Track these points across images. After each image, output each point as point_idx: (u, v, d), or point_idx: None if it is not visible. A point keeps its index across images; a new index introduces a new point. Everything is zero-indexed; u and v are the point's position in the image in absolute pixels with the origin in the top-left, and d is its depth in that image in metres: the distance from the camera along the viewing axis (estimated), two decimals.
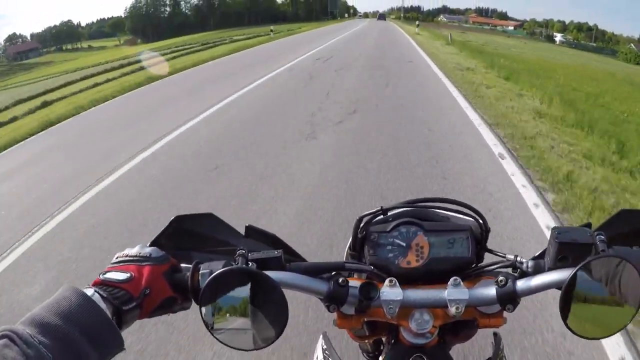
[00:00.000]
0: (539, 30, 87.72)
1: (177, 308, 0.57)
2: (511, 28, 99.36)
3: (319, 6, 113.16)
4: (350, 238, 0.66)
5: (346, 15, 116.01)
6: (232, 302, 0.50)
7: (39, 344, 0.39)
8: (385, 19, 76.38)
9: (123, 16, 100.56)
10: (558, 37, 73.66)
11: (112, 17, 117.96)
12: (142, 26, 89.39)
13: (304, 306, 1.98)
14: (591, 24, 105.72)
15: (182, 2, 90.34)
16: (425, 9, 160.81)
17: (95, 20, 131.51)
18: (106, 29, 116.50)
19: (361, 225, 0.64)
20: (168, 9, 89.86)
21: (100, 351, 0.44)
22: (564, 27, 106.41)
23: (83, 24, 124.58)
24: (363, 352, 0.94)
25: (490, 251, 0.65)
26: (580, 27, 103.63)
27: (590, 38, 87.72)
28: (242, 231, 0.64)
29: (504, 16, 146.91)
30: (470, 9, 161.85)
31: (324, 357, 0.82)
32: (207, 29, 77.74)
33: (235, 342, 0.50)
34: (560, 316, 0.48)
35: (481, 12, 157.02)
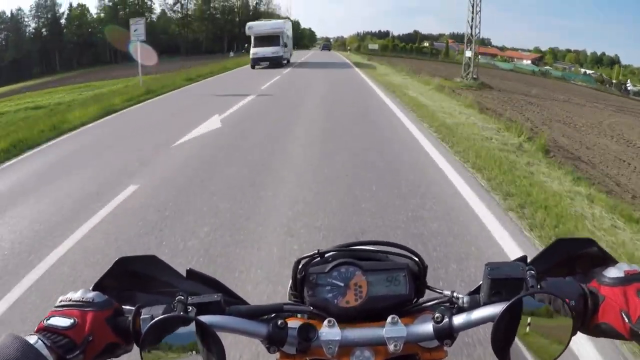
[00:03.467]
0: (609, 80, 61.69)
1: (119, 352, 0.57)
2: (527, 62, 75.39)
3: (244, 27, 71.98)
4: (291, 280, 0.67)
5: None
6: (172, 346, 0.51)
7: None
8: (330, 49, 66.18)
9: None
10: (630, 86, 48.99)
11: None
12: None
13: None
14: (591, 51, 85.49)
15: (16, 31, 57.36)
16: (394, 34, 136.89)
17: None
18: None
19: (299, 266, 0.65)
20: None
21: None
22: (577, 59, 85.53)
23: None
24: None
25: (429, 288, 0.66)
26: (599, 60, 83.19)
27: None
28: (183, 272, 0.64)
29: (489, 45, 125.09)
30: (444, 35, 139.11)
31: None
32: (52, 68, 47.16)
33: None
34: (492, 349, 0.50)
35: (456, 37, 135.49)
